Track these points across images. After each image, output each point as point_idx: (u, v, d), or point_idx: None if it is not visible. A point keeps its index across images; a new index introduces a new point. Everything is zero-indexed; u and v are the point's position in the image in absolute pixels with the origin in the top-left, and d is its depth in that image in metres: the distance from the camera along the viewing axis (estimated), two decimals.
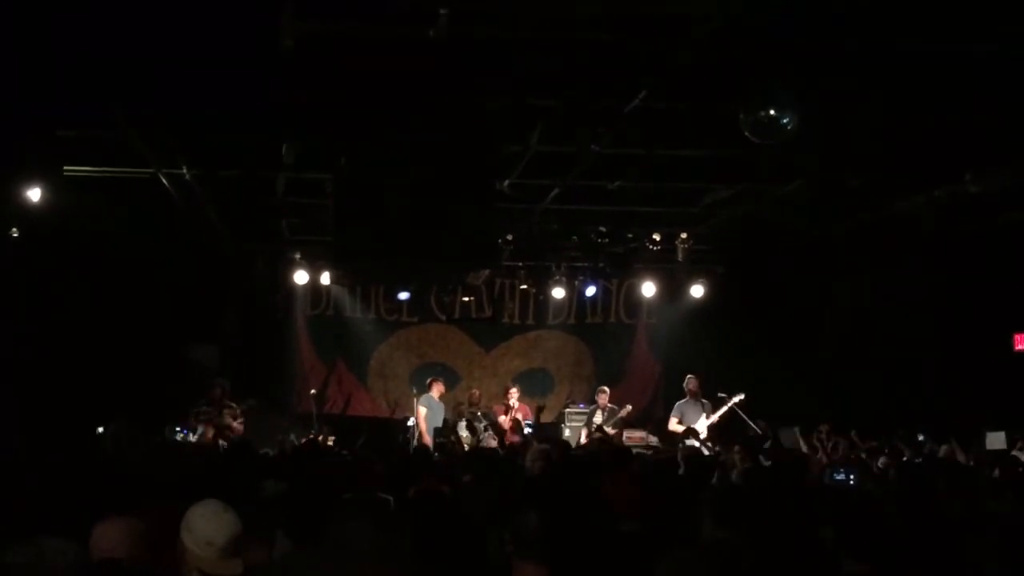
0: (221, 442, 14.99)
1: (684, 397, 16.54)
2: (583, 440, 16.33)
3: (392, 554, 4.40)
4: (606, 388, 17.58)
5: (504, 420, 17.16)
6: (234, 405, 15.54)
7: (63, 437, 11.70)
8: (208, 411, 15.38)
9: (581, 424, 17.14)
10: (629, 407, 17.03)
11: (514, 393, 17.56)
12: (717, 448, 14.27)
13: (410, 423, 17.33)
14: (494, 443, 16.22)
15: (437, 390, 17.28)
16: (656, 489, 7.54)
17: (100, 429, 13.64)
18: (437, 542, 5.03)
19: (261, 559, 4.99)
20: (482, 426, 17.13)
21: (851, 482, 10.12)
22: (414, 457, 11.16)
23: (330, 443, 15.41)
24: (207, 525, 4.64)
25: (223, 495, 4.89)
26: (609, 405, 17.12)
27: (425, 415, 16.88)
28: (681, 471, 10.09)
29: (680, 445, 14.40)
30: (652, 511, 6.47)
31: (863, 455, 13.11)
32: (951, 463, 10.98)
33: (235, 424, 15.41)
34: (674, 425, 16.26)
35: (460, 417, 17.43)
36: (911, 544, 5.01)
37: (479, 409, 17.70)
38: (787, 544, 5.37)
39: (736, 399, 15.73)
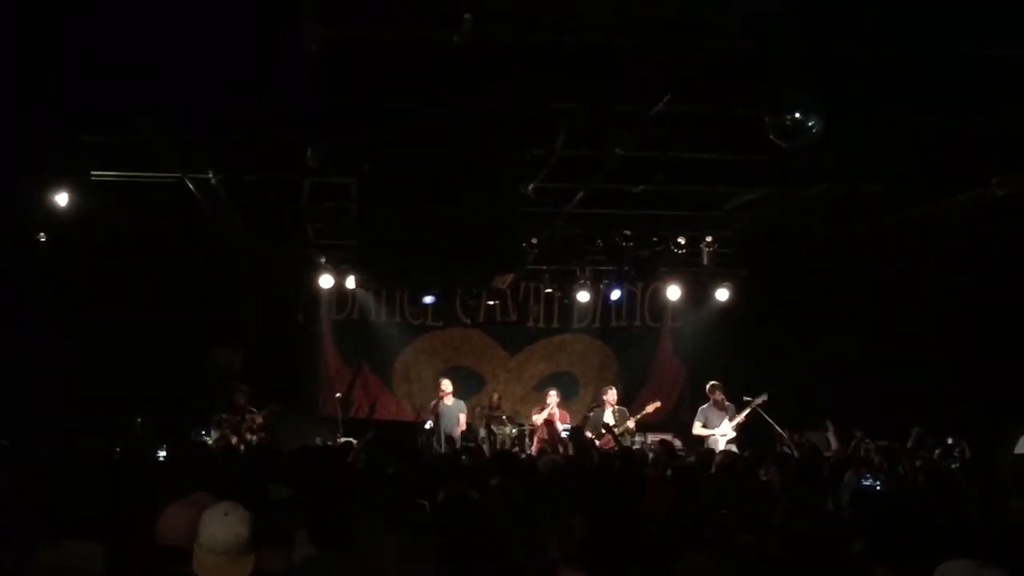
0: (241, 446, 15.11)
1: (708, 401, 16.50)
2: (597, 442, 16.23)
3: (417, 558, 4.40)
4: (613, 388, 17.50)
5: (538, 420, 17.16)
6: (255, 410, 15.61)
7: (88, 440, 11.77)
8: (229, 418, 15.46)
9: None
10: (658, 403, 16.96)
11: (553, 396, 17.49)
12: (745, 452, 14.24)
13: (428, 425, 17.35)
14: (516, 448, 16.24)
15: (446, 394, 17.25)
16: (686, 492, 7.55)
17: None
18: (465, 546, 5.02)
19: (280, 563, 4.98)
20: (507, 430, 17.14)
21: (878, 487, 10.09)
22: (441, 461, 11.16)
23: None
24: (205, 531, 4.64)
25: (232, 498, 4.89)
26: (618, 406, 17.03)
27: (431, 427, 16.95)
28: (712, 475, 10.09)
29: (708, 449, 14.38)
30: (682, 514, 6.47)
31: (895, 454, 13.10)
32: (976, 466, 10.93)
33: (258, 427, 15.49)
34: (698, 429, 16.24)
35: (481, 421, 17.44)
36: (937, 546, 4.98)
37: (503, 413, 17.70)
38: (814, 548, 5.35)
39: (759, 400, 15.70)
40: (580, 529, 4.96)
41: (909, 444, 13.57)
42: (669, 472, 10.02)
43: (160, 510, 5.01)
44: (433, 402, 17.21)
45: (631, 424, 16.51)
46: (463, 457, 12.63)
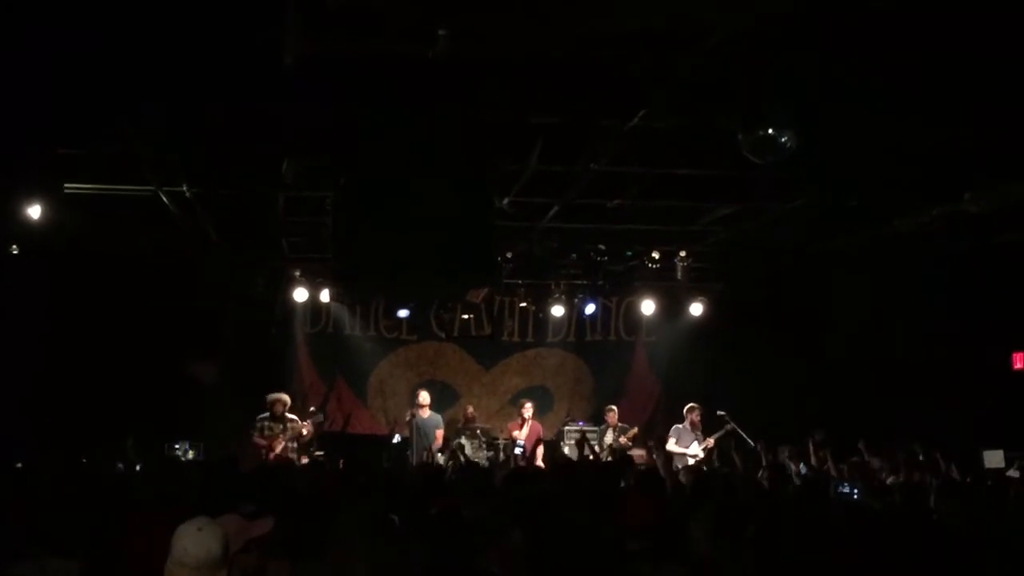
0: (291, 456, 15.19)
1: (682, 419, 16.60)
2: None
3: (392, 571, 4.39)
4: (614, 407, 17.57)
5: (520, 435, 17.16)
6: (295, 418, 15.62)
7: (63, 454, 11.70)
8: (272, 425, 15.45)
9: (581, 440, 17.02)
10: (635, 429, 17.05)
11: (529, 408, 17.52)
12: (716, 464, 14.31)
13: (396, 439, 17.32)
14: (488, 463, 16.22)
15: (423, 407, 17.23)
16: (662, 506, 7.55)
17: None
18: (452, 561, 5.02)
19: None
20: (477, 443, 17.10)
21: (855, 496, 10.15)
22: (423, 474, 11.12)
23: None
24: (178, 545, 4.62)
25: (205, 513, 4.87)
26: (620, 424, 17.15)
27: (399, 440, 16.97)
28: (686, 490, 10.10)
29: (679, 465, 14.41)
30: (657, 529, 6.47)
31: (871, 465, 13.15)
32: (953, 481, 10.99)
33: (304, 433, 15.61)
34: (671, 446, 16.24)
35: (457, 435, 17.40)
36: (915, 559, 5.01)
37: (477, 427, 17.65)
38: (788, 562, 5.36)
39: (723, 432, 15.85)
40: (516, 539, 4.95)
41: (865, 458, 13.65)
42: (623, 483, 10.07)
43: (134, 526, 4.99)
44: (409, 414, 17.18)
45: (623, 439, 16.62)
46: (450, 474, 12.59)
